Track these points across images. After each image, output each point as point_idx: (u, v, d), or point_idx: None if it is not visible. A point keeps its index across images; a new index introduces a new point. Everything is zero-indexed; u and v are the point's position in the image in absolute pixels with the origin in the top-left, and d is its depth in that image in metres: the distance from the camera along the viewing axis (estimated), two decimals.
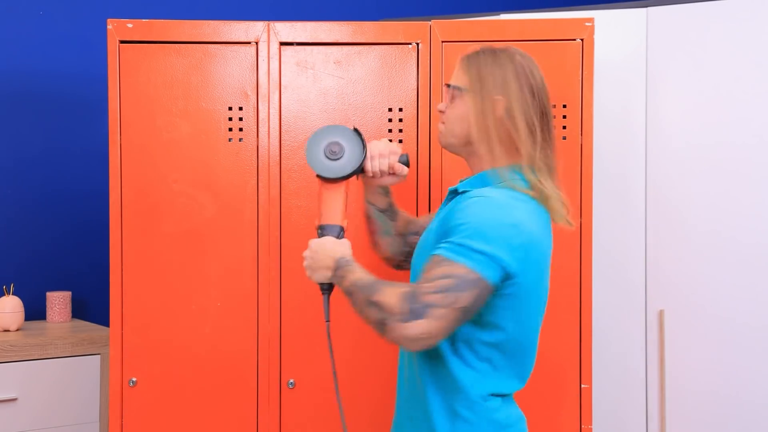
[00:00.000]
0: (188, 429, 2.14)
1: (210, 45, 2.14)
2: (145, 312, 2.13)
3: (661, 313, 2.51)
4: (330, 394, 2.14)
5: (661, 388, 2.51)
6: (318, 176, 1.74)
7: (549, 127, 1.67)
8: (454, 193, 1.70)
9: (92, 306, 3.11)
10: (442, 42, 2.15)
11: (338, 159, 1.73)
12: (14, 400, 2.54)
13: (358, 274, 1.59)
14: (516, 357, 1.62)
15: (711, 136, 2.48)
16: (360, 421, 2.14)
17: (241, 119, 2.15)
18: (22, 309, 2.75)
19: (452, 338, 1.58)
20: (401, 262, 1.90)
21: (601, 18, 2.53)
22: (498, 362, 1.60)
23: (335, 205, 1.73)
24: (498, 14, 2.64)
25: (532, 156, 1.62)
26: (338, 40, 2.15)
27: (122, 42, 2.12)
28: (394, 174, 1.81)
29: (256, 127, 2.15)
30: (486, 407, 1.59)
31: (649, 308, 2.53)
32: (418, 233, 1.86)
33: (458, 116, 1.68)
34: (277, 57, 2.14)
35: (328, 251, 1.66)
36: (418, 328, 1.47)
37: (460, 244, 1.51)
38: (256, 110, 2.15)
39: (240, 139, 2.14)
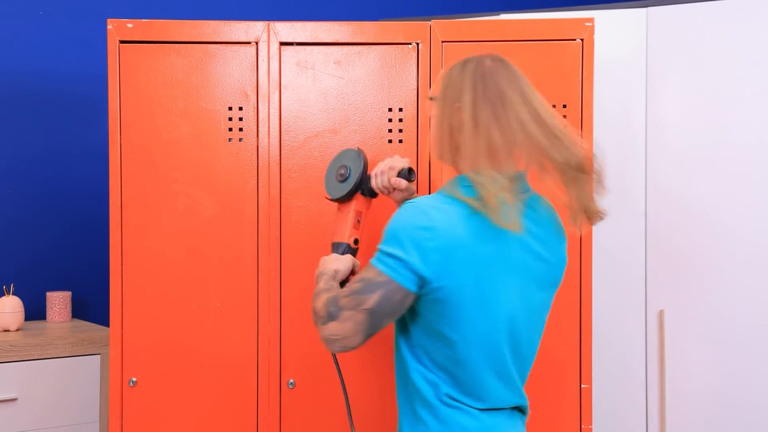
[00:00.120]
0: (188, 429, 2.14)
1: (210, 45, 2.14)
2: (145, 312, 2.13)
3: (661, 313, 2.51)
4: (330, 394, 2.14)
5: (661, 388, 2.51)
6: (328, 198, 1.89)
7: (516, 128, 1.58)
8: None
9: (92, 306, 3.11)
10: (442, 42, 2.15)
11: (345, 181, 1.84)
12: (14, 400, 2.54)
13: (320, 284, 1.69)
14: (467, 370, 1.59)
15: (711, 135, 2.48)
16: (365, 421, 2.14)
17: (241, 119, 2.15)
18: (22, 309, 2.75)
19: (412, 344, 1.62)
20: None
21: (601, 18, 2.53)
22: (455, 371, 1.59)
23: (342, 224, 1.85)
24: (498, 14, 2.65)
25: (475, 162, 1.57)
26: (338, 40, 2.15)
27: (122, 42, 2.12)
28: (397, 189, 1.82)
29: (256, 127, 2.15)
30: (446, 412, 1.60)
31: (649, 308, 2.53)
32: None
33: (432, 127, 1.69)
34: (277, 57, 2.14)
35: (326, 264, 1.76)
36: (328, 329, 1.58)
37: (378, 249, 1.58)
38: (256, 110, 2.15)
39: (240, 139, 2.15)
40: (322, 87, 2.16)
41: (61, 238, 3.06)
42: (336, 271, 1.73)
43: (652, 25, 2.53)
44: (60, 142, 3.05)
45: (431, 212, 1.54)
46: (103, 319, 3.09)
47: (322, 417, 2.14)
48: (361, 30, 2.15)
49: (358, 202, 1.85)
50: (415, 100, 2.16)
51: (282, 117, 2.16)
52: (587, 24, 2.15)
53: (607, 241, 2.53)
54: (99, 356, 2.66)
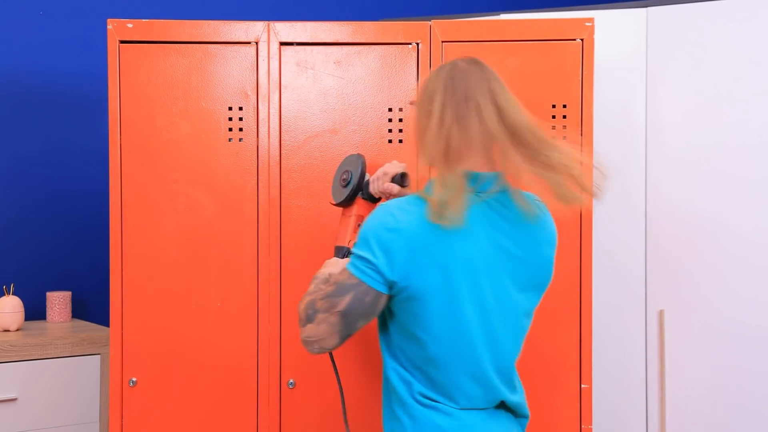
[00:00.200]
0: (188, 429, 2.14)
1: (210, 45, 2.14)
2: (145, 312, 2.13)
3: (661, 313, 2.51)
4: (330, 394, 2.14)
5: (661, 387, 2.51)
6: (332, 204, 1.92)
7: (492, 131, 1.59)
8: None
9: (92, 306, 3.11)
10: (442, 42, 2.15)
11: (347, 185, 1.87)
12: (14, 400, 2.54)
13: (310, 288, 1.72)
14: (440, 369, 1.60)
15: (711, 135, 2.48)
16: (363, 421, 2.14)
17: (241, 119, 2.15)
18: (22, 309, 2.75)
19: (390, 343, 1.65)
20: None
21: (601, 18, 2.54)
22: (428, 371, 1.61)
23: (344, 228, 1.88)
24: (498, 14, 2.65)
25: (433, 161, 1.60)
26: (338, 40, 2.15)
27: (122, 42, 2.12)
28: (391, 194, 1.84)
29: (256, 127, 2.15)
30: (420, 411, 1.62)
31: (649, 308, 2.53)
32: None
33: (412, 131, 1.71)
34: (277, 57, 2.14)
35: (324, 268, 1.79)
36: (306, 331, 1.62)
37: (352, 253, 1.62)
38: (256, 110, 2.15)
39: (240, 139, 2.15)
40: (322, 87, 2.16)
41: (61, 238, 3.06)
42: (330, 275, 1.75)
43: (652, 25, 2.53)
44: (60, 142, 3.05)
45: (397, 214, 1.57)
46: (103, 319, 3.09)
47: (322, 417, 2.14)
48: (361, 30, 2.16)
49: (359, 206, 1.87)
50: None
51: (282, 117, 2.16)
52: (587, 24, 2.15)
53: (607, 241, 2.53)
54: (99, 356, 2.66)
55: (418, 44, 2.15)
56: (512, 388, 1.68)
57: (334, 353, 2.10)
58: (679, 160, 2.51)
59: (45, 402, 2.59)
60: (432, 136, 1.59)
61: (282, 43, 2.15)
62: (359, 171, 1.84)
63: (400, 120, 2.16)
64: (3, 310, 2.71)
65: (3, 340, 2.54)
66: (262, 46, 2.14)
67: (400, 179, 1.82)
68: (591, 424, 2.15)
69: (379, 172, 1.83)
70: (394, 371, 1.65)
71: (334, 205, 1.89)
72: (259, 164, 2.14)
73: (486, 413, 1.65)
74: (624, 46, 2.55)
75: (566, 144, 1.62)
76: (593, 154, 2.22)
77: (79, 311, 3.08)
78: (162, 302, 2.13)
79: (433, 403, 1.62)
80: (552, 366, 2.15)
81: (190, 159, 2.14)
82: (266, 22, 2.14)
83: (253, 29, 2.14)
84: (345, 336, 1.62)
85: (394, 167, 1.82)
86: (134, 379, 2.13)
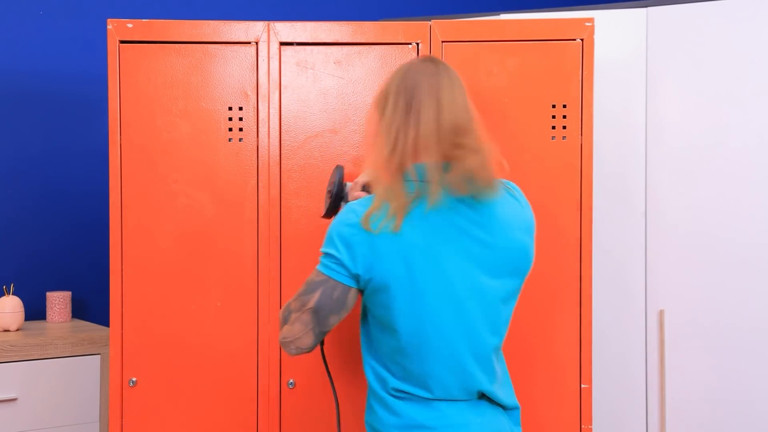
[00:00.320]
0: (188, 429, 2.14)
1: (210, 45, 2.14)
2: (145, 312, 2.13)
3: (661, 313, 2.51)
4: (330, 394, 2.14)
5: (661, 387, 2.51)
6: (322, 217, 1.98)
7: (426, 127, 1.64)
8: None
9: (92, 306, 3.11)
10: (442, 42, 2.15)
11: (329, 197, 1.91)
12: (14, 400, 2.54)
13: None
14: (414, 360, 1.64)
15: (711, 136, 2.48)
16: (360, 424, 2.14)
17: (241, 119, 2.15)
18: (22, 309, 2.75)
19: (370, 338, 1.71)
20: None
21: (601, 18, 2.53)
22: (402, 362, 1.65)
23: None
24: (498, 14, 2.65)
25: (376, 162, 1.66)
26: (338, 40, 2.15)
27: (122, 42, 2.12)
28: None
29: (256, 127, 2.15)
30: (396, 404, 1.66)
31: (649, 308, 2.53)
32: None
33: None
34: (277, 57, 2.14)
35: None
36: (282, 333, 1.69)
37: (321, 253, 1.69)
38: (256, 110, 2.15)
39: (240, 139, 2.15)
40: (322, 87, 2.16)
41: (61, 238, 3.06)
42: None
43: (652, 25, 2.53)
44: (60, 142, 3.06)
45: (358, 209, 1.64)
46: (103, 319, 3.09)
47: (322, 417, 2.15)
48: (361, 30, 2.16)
49: None
50: None
51: (282, 117, 2.16)
52: (587, 24, 2.15)
53: (607, 241, 2.53)
54: (99, 356, 2.66)
55: (418, 44, 2.16)
56: (491, 377, 1.68)
57: (329, 359, 2.11)
58: (679, 160, 2.51)
59: (45, 402, 2.59)
60: (382, 137, 1.66)
61: (282, 43, 2.15)
62: (337, 182, 1.87)
63: None
64: (3, 310, 2.71)
65: (3, 340, 2.54)
66: (262, 46, 2.14)
67: (370, 187, 1.85)
68: (591, 424, 2.15)
69: (354, 181, 1.88)
70: (370, 367, 1.70)
71: (322, 217, 1.94)
72: (259, 164, 2.14)
73: (466, 404, 1.67)
74: (624, 46, 2.55)
75: (488, 153, 1.64)
76: (592, 155, 2.21)
77: (79, 311, 3.08)
78: (162, 302, 2.13)
79: (408, 395, 1.66)
80: (552, 366, 2.15)
81: (190, 159, 2.14)
82: (266, 22, 2.14)
83: (253, 29, 2.14)
84: (319, 333, 1.67)
85: (365, 176, 1.85)
86: (134, 379, 2.13)
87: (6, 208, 2.97)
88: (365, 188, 1.83)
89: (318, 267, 1.67)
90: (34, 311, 2.99)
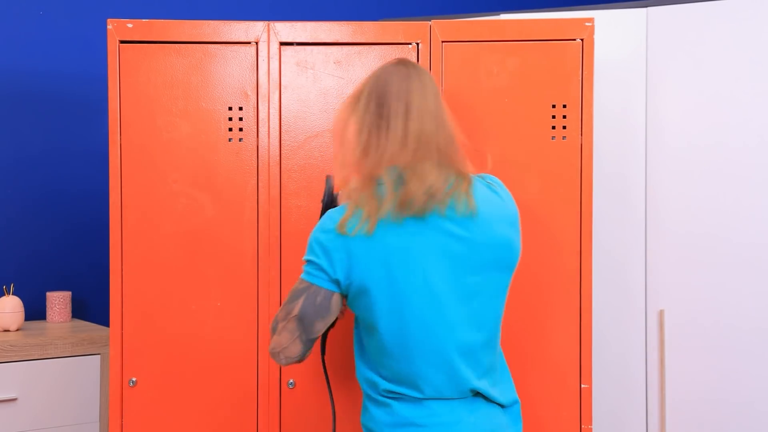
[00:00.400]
0: (188, 429, 2.14)
1: (210, 45, 2.14)
2: (145, 312, 2.13)
3: (661, 313, 2.51)
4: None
5: (661, 388, 2.51)
6: None
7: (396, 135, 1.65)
8: None
9: (92, 306, 3.11)
10: (442, 42, 2.15)
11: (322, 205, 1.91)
12: (14, 400, 2.54)
13: None
14: (401, 361, 1.65)
15: (711, 136, 2.48)
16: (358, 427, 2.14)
17: (241, 119, 2.15)
18: (22, 309, 2.75)
19: (362, 343, 1.72)
20: None
21: (601, 18, 2.53)
22: (389, 364, 1.66)
23: None
24: (498, 14, 2.65)
25: (344, 163, 1.69)
26: (338, 40, 2.15)
27: (122, 42, 2.12)
28: None
29: (256, 127, 2.15)
30: (389, 403, 1.67)
31: (649, 308, 2.53)
32: None
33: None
34: (277, 57, 2.14)
35: None
36: (271, 344, 1.70)
37: (303, 261, 1.71)
38: (256, 110, 2.15)
39: (240, 139, 2.15)
40: (322, 87, 2.16)
41: (61, 238, 3.06)
42: None
43: (652, 25, 2.53)
44: (60, 142, 3.06)
45: (335, 216, 1.66)
46: (103, 319, 3.09)
47: (322, 417, 2.15)
48: (361, 30, 2.16)
49: None
50: None
51: (282, 117, 2.16)
52: (587, 24, 2.15)
53: (607, 241, 2.53)
54: (99, 356, 2.66)
55: (418, 44, 2.16)
56: (481, 373, 1.68)
57: (328, 364, 2.11)
58: (679, 161, 2.51)
59: (45, 402, 2.59)
60: (353, 139, 1.68)
61: (282, 43, 2.15)
62: (327, 192, 1.87)
63: None
64: (3, 310, 2.71)
65: (3, 340, 2.54)
66: (262, 46, 2.14)
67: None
68: (591, 424, 2.15)
69: (342, 190, 1.88)
70: (361, 372, 1.71)
71: None
72: (259, 164, 2.14)
73: (459, 402, 1.67)
74: (624, 46, 2.55)
75: (450, 161, 1.65)
76: (592, 155, 2.21)
77: (79, 311, 3.08)
78: (162, 302, 2.13)
79: (399, 396, 1.66)
80: (552, 366, 2.15)
81: (190, 159, 2.14)
82: (266, 22, 2.14)
83: (253, 29, 2.14)
84: (306, 341, 1.68)
85: (353, 183, 1.85)
86: (134, 379, 2.13)
87: (6, 208, 2.97)
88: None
89: (301, 275, 1.69)
90: (34, 311, 2.99)
